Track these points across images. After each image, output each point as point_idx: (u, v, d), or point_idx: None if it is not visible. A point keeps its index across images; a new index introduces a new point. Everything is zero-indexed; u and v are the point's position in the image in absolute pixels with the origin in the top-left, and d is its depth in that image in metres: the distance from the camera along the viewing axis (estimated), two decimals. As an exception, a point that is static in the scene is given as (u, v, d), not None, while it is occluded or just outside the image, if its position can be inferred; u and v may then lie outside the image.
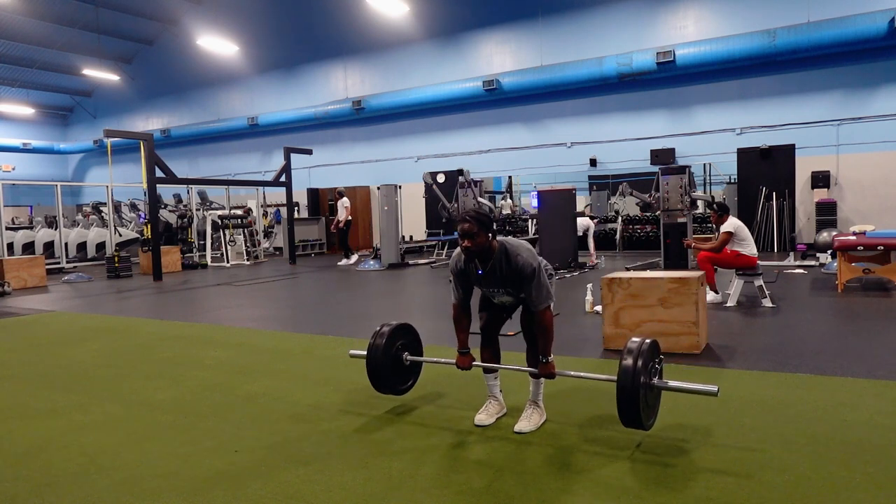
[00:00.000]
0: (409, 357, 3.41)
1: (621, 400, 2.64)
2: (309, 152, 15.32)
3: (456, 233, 2.99)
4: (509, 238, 3.05)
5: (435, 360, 3.55)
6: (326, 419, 3.35)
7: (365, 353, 3.34)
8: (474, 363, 3.19)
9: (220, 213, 14.70)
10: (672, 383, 2.83)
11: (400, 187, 13.53)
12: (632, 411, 2.63)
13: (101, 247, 15.01)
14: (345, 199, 13.58)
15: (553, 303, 3.01)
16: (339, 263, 13.32)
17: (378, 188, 13.14)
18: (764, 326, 5.47)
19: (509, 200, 15.76)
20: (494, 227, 2.98)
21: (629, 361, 2.66)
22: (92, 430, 3.34)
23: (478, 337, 3.27)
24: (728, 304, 6.43)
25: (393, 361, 3.33)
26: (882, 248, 6.99)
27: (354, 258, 13.52)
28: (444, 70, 16.51)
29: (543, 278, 2.95)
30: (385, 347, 3.28)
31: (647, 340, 2.78)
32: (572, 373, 3.17)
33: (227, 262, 14.21)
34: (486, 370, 3.27)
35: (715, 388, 2.70)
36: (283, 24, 19.45)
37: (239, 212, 14.98)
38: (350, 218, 13.78)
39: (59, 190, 13.64)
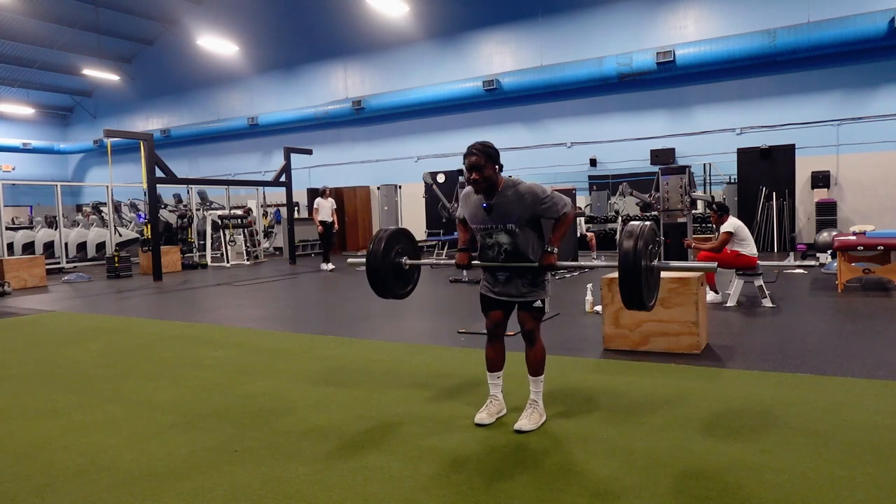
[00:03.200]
0: (407, 261, 3.40)
1: (624, 281, 2.65)
2: (309, 152, 15.32)
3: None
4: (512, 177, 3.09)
5: (433, 261, 3.57)
6: (327, 419, 3.35)
7: (364, 260, 3.31)
8: (473, 262, 3.20)
9: (220, 213, 14.70)
10: (673, 263, 2.88)
11: (400, 187, 13.56)
12: (634, 292, 2.66)
13: (101, 247, 15.01)
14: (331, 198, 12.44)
15: (571, 206, 3.06)
16: (323, 267, 12.17)
17: (378, 188, 13.15)
18: (764, 326, 5.47)
19: None
20: (500, 159, 3.02)
21: (629, 244, 2.66)
22: (92, 430, 3.34)
23: (480, 341, 3.27)
24: (728, 304, 6.43)
25: (392, 266, 3.32)
26: (882, 248, 6.99)
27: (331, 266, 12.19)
28: (444, 70, 16.51)
29: (555, 192, 3.03)
30: (384, 252, 3.26)
31: (647, 223, 2.80)
32: (573, 263, 3.21)
33: (227, 262, 14.20)
34: (489, 368, 3.25)
35: (714, 265, 2.74)
36: (283, 24, 19.45)
37: (239, 212, 14.98)
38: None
39: (59, 190, 13.64)
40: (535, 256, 3.07)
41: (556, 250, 3.01)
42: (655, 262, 2.83)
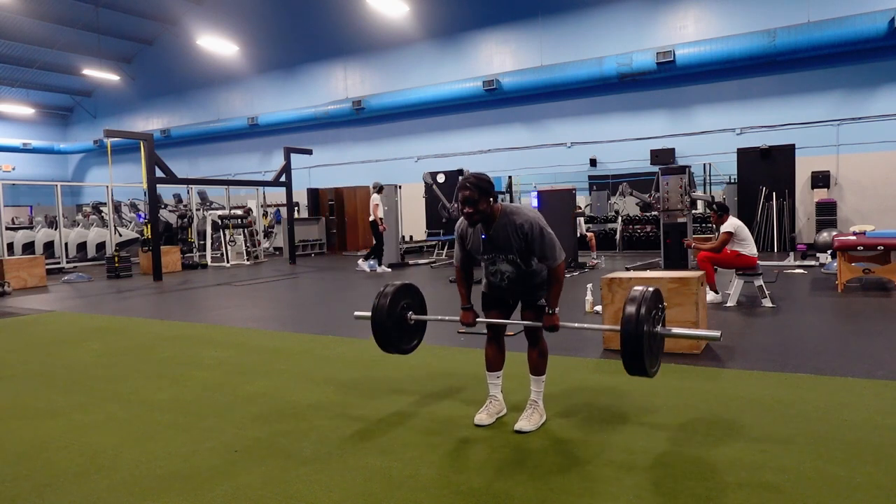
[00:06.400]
0: (413, 316, 3.38)
1: (626, 347, 2.61)
2: (309, 152, 15.32)
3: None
4: (511, 203, 3.05)
5: (439, 317, 3.52)
6: (326, 419, 3.35)
7: (369, 313, 3.30)
8: (478, 319, 3.18)
9: (220, 213, 14.70)
10: (675, 330, 2.80)
11: (400, 187, 13.55)
12: (636, 359, 2.62)
13: (101, 247, 15.02)
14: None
15: (564, 255, 3.02)
16: (379, 270, 11.51)
17: (378, 188, 13.13)
18: (764, 326, 5.47)
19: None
20: (494, 191, 2.98)
21: (632, 309, 2.62)
22: (92, 430, 3.34)
23: (481, 341, 3.26)
24: (728, 304, 6.43)
25: (397, 321, 3.30)
26: (882, 248, 6.98)
27: (381, 267, 11.60)
28: (444, 70, 16.51)
29: (550, 234, 2.97)
30: (389, 307, 3.24)
31: (650, 289, 2.75)
32: (576, 324, 3.16)
33: (227, 262, 14.20)
34: (489, 368, 3.26)
35: (717, 334, 2.69)
36: (283, 24, 19.45)
37: (239, 212, 14.99)
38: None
39: (59, 190, 13.64)
40: (538, 279, 3.07)
41: (556, 311, 3.01)
42: (659, 329, 2.77)
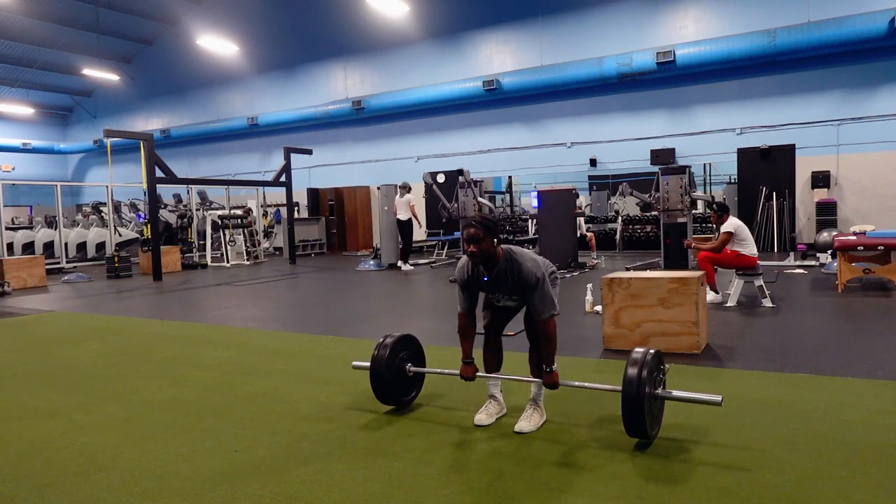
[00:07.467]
0: (412, 368, 3.41)
1: (626, 410, 2.66)
2: (309, 152, 15.32)
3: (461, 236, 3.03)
4: (514, 246, 3.07)
5: (438, 370, 3.55)
6: (326, 419, 3.35)
7: (368, 364, 3.33)
8: (478, 374, 3.22)
9: (220, 213, 14.70)
10: (676, 393, 2.84)
11: (400, 187, 13.52)
12: (637, 421, 2.66)
13: (101, 247, 15.02)
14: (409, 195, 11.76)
15: (557, 312, 3.03)
16: (405, 268, 11.69)
17: (378, 188, 13.13)
18: (764, 326, 5.47)
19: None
20: (499, 232, 3.03)
21: (634, 372, 2.67)
22: (92, 430, 3.34)
23: (479, 341, 3.27)
24: (728, 304, 6.43)
25: (396, 373, 3.33)
26: (882, 248, 6.99)
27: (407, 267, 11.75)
28: (444, 70, 16.51)
29: (548, 288, 2.99)
30: (388, 359, 3.27)
31: (651, 350, 2.80)
32: (576, 383, 3.17)
33: (227, 262, 14.20)
34: (488, 370, 3.28)
35: (719, 398, 2.72)
36: (283, 24, 19.45)
37: (239, 212, 14.98)
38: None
39: (59, 190, 13.64)
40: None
41: (555, 368, 3.03)
42: (660, 391, 2.81)
